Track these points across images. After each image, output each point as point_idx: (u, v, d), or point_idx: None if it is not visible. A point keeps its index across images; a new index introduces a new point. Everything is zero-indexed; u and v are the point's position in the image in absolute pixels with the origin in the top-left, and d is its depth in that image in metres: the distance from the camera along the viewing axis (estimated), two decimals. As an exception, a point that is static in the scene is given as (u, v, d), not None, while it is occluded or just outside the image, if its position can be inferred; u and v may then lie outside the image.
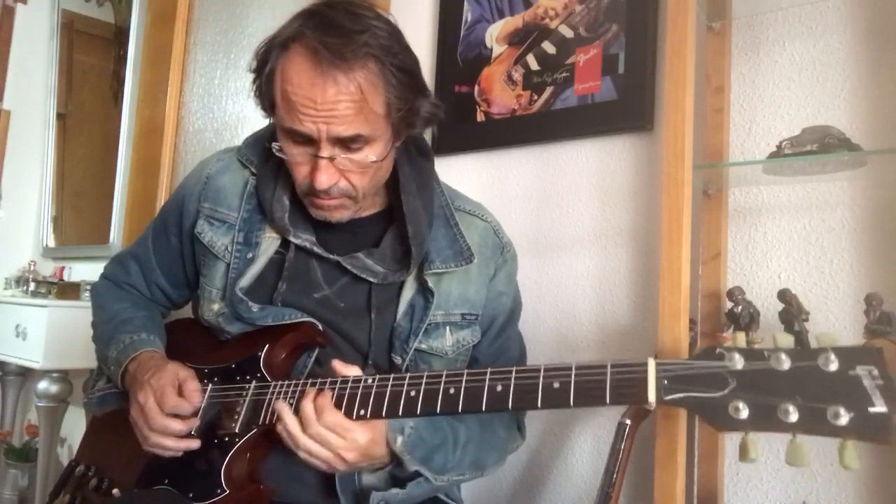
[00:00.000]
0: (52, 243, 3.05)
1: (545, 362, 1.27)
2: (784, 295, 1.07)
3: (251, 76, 1.03)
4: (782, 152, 1.09)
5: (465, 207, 1.16)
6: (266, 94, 1.00)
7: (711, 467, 1.22)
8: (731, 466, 1.24)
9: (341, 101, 0.92)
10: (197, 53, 2.54)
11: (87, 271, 2.68)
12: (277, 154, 1.00)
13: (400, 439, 0.93)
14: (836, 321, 1.16)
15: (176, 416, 0.98)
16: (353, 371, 0.94)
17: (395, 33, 0.98)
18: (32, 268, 2.94)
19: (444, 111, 1.07)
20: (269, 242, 1.08)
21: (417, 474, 0.96)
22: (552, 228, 1.52)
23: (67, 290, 2.69)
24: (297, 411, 0.91)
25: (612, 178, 1.44)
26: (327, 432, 0.88)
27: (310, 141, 0.96)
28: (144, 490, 1.02)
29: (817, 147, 1.05)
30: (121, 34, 2.83)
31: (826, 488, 1.15)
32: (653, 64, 1.39)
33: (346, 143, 0.96)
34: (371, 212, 1.11)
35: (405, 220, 1.05)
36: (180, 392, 0.99)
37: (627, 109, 1.41)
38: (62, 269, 2.88)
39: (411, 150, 1.11)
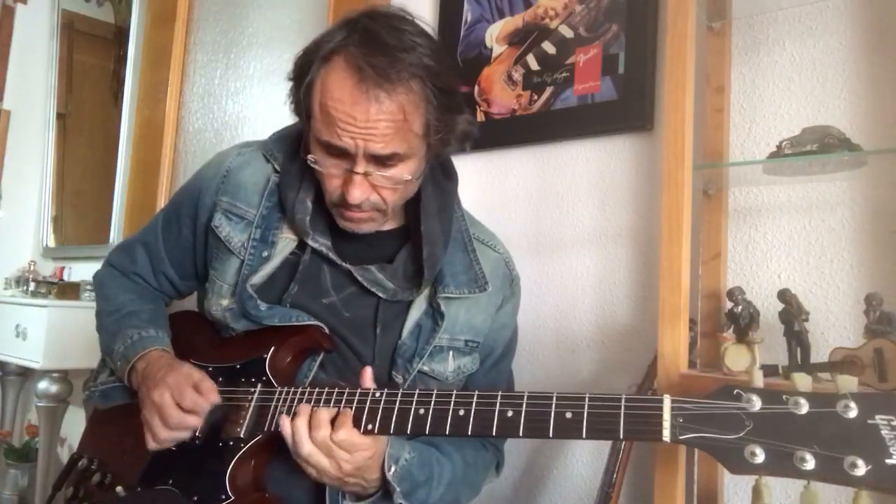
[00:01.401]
0: (52, 243, 3.05)
1: (547, 364, 1.28)
2: (784, 295, 1.07)
3: (289, 84, 1.02)
4: (782, 152, 1.09)
5: (479, 237, 1.16)
6: (304, 104, 0.99)
7: (711, 467, 1.21)
8: (731, 466, 1.24)
9: (382, 119, 0.92)
10: (197, 53, 2.54)
11: (87, 271, 2.68)
12: (311, 164, 1.00)
13: (394, 468, 0.93)
14: (836, 321, 1.16)
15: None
16: (372, 384, 0.94)
17: (437, 51, 0.98)
18: (32, 268, 2.94)
19: (476, 128, 1.06)
20: (285, 243, 1.07)
21: None
22: (552, 228, 1.52)
23: (67, 290, 2.69)
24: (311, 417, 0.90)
25: (612, 178, 1.44)
26: (335, 447, 0.88)
27: (345, 155, 0.96)
28: (148, 490, 1.01)
29: (817, 147, 1.05)
30: (121, 34, 2.84)
31: (826, 489, 1.15)
32: (653, 64, 1.39)
33: (382, 160, 0.95)
34: (389, 227, 1.10)
35: (422, 239, 1.04)
36: (196, 391, 0.98)
37: (627, 109, 1.41)
38: (62, 269, 2.88)
39: (437, 170, 1.11)
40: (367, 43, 0.93)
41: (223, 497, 0.94)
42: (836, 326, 1.16)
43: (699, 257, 1.26)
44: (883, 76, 1.16)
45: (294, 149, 1.08)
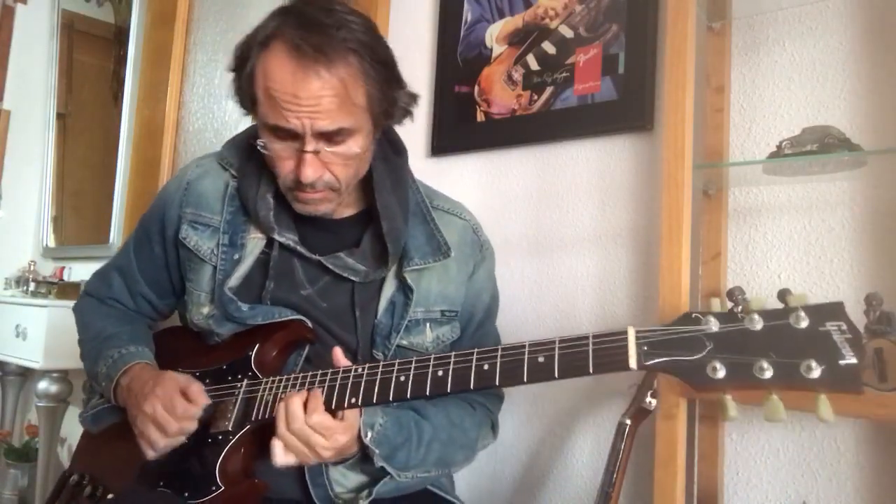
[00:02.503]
0: (52, 243, 3.05)
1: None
2: (784, 295, 1.07)
3: (230, 75, 1.04)
4: (782, 152, 1.09)
5: (443, 206, 1.17)
6: (247, 92, 1.01)
7: (711, 467, 1.22)
8: (731, 466, 1.24)
9: (324, 95, 0.93)
10: (197, 53, 2.54)
11: (87, 271, 2.65)
12: (262, 150, 1.01)
13: (370, 434, 0.95)
14: (836, 321, 1.16)
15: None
16: (345, 361, 0.96)
17: (370, 28, 1.00)
18: (32, 268, 2.94)
19: (416, 101, 1.08)
20: (254, 243, 1.09)
21: (384, 472, 0.98)
22: (552, 228, 1.52)
23: (67, 290, 2.69)
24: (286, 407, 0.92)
25: (612, 178, 1.44)
26: (310, 432, 0.90)
27: (294, 136, 0.97)
28: (140, 493, 1.02)
29: (817, 147, 1.05)
30: (121, 34, 2.83)
31: (826, 488, 1.15)
32: (653, 64, 1.39)
33: (330, 137, 0.97)
34: (351, 212, 1.12)
35: (380, 217, 1.06)
36: (185, 397, 0.99)
37: (627, 109, 1.41)
38: (62, 269, 2.88)
39: (385, 147, 1.13)
40: (301, 24, 0.94)
41: (214, 488, 0.96)
42: (836, 326, 1.16)
43: (699, 257, 1.26)
44: (883, 76, 1.16)
45: (248, 150, 1.10)
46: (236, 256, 1.08)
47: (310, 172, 0.98)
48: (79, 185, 3.07)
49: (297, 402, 0.91)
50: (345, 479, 1.02)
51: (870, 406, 0.91)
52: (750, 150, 1.28)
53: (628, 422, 1.19)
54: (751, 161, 1.24)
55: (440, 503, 1.12)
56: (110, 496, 1.07)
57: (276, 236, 1.07)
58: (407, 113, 1.07)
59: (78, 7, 3.13)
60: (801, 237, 1.22)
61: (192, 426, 0.98)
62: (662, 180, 1.07)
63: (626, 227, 1.41)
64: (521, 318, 1.22)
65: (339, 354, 0.97)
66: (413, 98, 1.07)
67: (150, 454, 0.99)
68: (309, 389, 0.93)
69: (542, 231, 1.53)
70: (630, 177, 1.42)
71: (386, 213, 1.06)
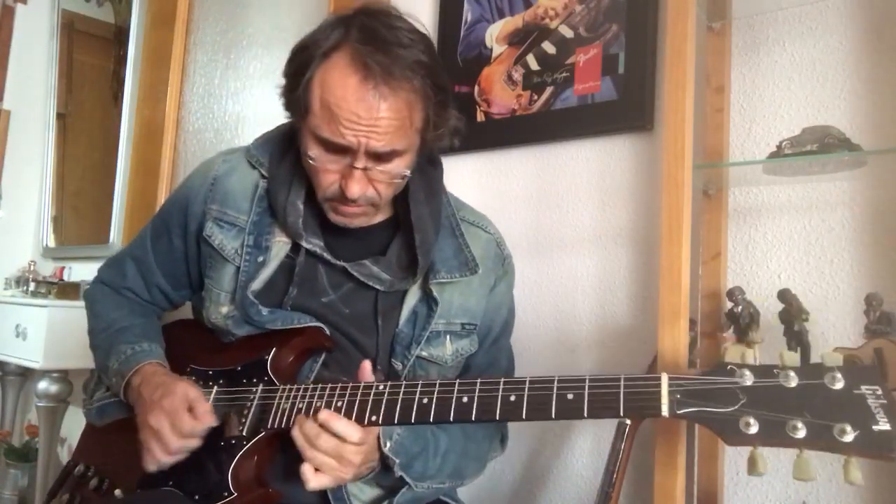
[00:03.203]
0: (52, 243, 3.05)
1: (547, 364, 1.28)
2: (784, 295, 1.07)
3: (283, 79, 1.02)
4: (782, 152, 1.09)
5: (469, 219, 1.16)
6: (301, 100, 0.98)
7: (711, 468, 1.22)
8: (731, 467, 1.24)
9: (385, 118, 0.92)
10: (197, 53, 2.54)
11: (87, 271, 2.68)
12: (311, 162, 0.99)
13: (389, 444, 0.94)
14: (836, 321, 1.16)
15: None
16: (371, 377, 0.95)
17: (431, 47, 0.99)
18: (32, 268, 2.94)
19: (463, 124, 1.07)
20: (279, 247, 1.07)
21: (402, 482, 0.98)
22: (552, 228, 1.52)
23: (67, 290, 2.69)
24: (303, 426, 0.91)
25: (612, 178, 1.44)
26: (338, 442, 0.89)
27: (345, 150, 0.96)
28: (149, 491, 1.01)
29: (817, 147, 1.05)
30: (121, 34, 2.83)
31: (826, 488, 1.15)
32: (653, 64, 1.39)
33: (381, 156, 0.96)
34: (379, 219, 1.10)
35: (412, 228, 1.05)
36: (192, 413, 0.98)
37: (627, 109, 1.41)
38: (62, 269, 2.88)
39: (422, 158, 1.11)
40: (367, 40, 0.93)
41: (226, 494, 0.94)
42: (836, 326, 1.16)
43: (699, 257, 1.26)
44: (883, 76, 1.16)
45: (280, 152, 1.08)
46: (260, 259, 1.07)
47: (356, 189, 0.97)
48: (79, 185, 3.07)
49: (310, 423, 0.90)
50: (361, 494, 1.01)
51: (870, 406, 0.91)
52: (750, 150, 1.28)
53: (628, 422, 1.19)
54: (751, 161, 1.24)
55: None
56: (117, 491, 1.06)
57: (304, 243, 1.05)
58: (456, 135, 1.06)
59: (78, 7, 3.13)
60: (801, 237, 1.22)
61: (194, 444, 0.97)
62: (662, 180, 1.07)
63: (626, 227, 1.41)
64: (521, 319, 1.22)
65: (367, 369, 0.95)
66: (460, 121, 1.06)
67: (151, 468, 0.98)
68: (316, 409, 0.92)
69: (541, 231, 1.53)
70: (630, 177, 1.42)
71: (419, 226, 1.05)
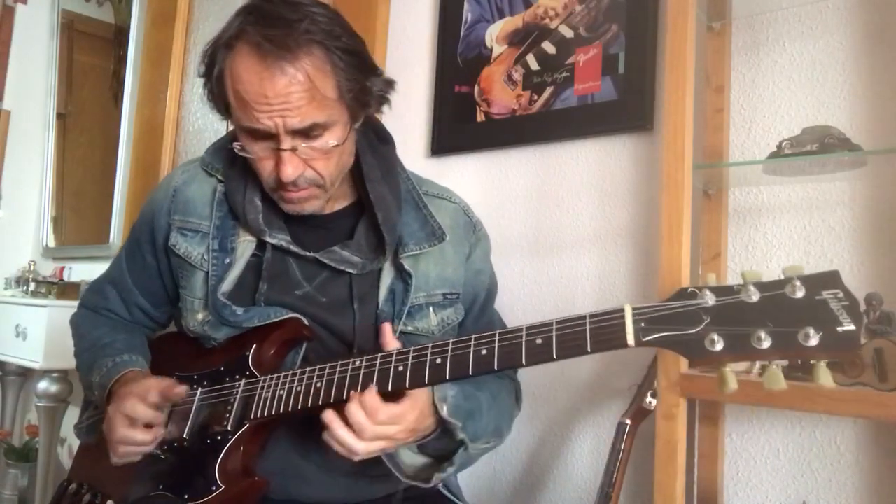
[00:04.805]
0: (52, 243, 3.05)
1: (546, 370, 1.27)
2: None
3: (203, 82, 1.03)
4: (782, 152, 1.09)
5: (433, 191, 1.17)
6: (219, 97, 1.00)
7: (711, 467, 1.22)
8: (731, 466, 1.24)
9: (292, 91, 0.92)
10: (197, 53, 2.52)
11: (87, 271, 2.68)
12: (240, 153, 1.00)
13: (445, 407, 0.94)
14: (836, 321, 1.16)
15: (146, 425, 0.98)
16: (395, 345, 0.94)
17: (334, 17, 0.98)
18: (32, 268, 2.94)
19: (393, 87, 1.06)
20: (244, 246, 1.08)
21: (458, 446, 0.97)
22: (552, 228, 1.52)
23: (67, 290, 2.69)
24: (346, 418, 0.89)
25: (612, 178, 1.44)
26: (384, 428, 0.88)
27: (269, 136, 0.96)
28: (139, 499, 1.02)
29: (817, 147, 1.05)
30: (121, 34, 2.83)
31: (826, 488, 1.15)
32: (653, 64, 1.39)
33: (306, 133, 0.96)
34: (342, 205, 1.12)
35: (374, 207, 1.06)
36: (164, 399, 0.99)
37: (627, 109, 1.41)
38: (62, 269, 2.88)
39: (371, 137, 1.12)
40: (263, 21, 0.93)
41: (213, 488, 0.95)
42: (836, 326, 1.16)
43: (699, 257, 1.26)
44: (883, 76, 1.16)
45: (230, 156, 1.09)
46: (227, 261, 1.07)
47: (289, 170, 0.97)
48: (79, 185, 3.07)
49: (358, 412, 0.88)
50: (410, 461, 1.00)
51: (870, 406, 0.91)
52: (750, 150, 1.28)
53: (628, 422, 1.19)
54: (751, 161, 1.24)
55: None
56: (109, 502, 1.07)
57: (268, 238, 1.06)
58: (384, 100, 1.05)
59: (78, 7, 3.13)
60: (801, 237, 1.22)
61: (138, 437, 0.97)
62: (662, 180, 1.07)
63: (626, 227, 1.41)
64: (522, 319, 1.22)
65: (387, 331, 0.96)
66: (389, 84, 1.05)
67: (115, 460, 0.99)
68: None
69: (541, 231, 1.53)
70: (630, 177, 1.42)
71: (380, 204, 1.06)
